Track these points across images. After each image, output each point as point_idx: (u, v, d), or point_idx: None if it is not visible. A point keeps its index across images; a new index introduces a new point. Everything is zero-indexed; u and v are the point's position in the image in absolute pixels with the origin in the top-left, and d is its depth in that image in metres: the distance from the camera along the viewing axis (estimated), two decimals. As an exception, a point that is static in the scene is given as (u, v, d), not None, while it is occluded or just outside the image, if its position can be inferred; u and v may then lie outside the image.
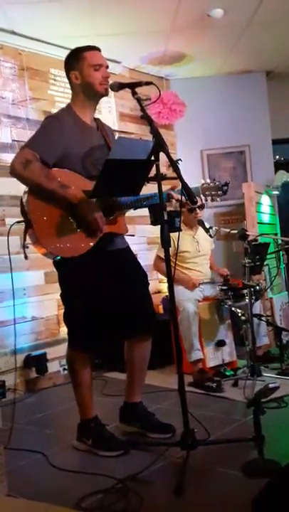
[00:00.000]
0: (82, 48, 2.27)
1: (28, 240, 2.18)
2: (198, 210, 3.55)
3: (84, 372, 2.32)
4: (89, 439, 2.31)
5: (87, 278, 2.22)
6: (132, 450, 2.27)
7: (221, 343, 3.45)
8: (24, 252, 2.22)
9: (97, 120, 2.39)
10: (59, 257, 2.18)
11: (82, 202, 2.12)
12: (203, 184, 2.33)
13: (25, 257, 2.23)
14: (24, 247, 2.20)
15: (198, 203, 3.43)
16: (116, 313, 2.28)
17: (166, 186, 2.16)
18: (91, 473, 2.07)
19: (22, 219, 2.17)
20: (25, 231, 2.16)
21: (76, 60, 2.26)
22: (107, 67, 2.28)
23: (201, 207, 3.57)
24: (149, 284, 2.45)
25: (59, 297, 3.68)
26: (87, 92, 2.26)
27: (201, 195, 2.31)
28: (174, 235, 2.16)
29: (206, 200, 2.37)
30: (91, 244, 2.17)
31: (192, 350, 3.25)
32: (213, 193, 2.32)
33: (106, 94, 2.27)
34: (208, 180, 2.35)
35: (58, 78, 3.85)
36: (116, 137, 2.18)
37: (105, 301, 2.24)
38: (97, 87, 2.23)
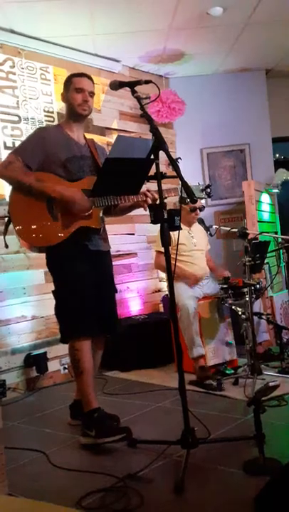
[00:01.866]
0: (74, 74, 2.57)
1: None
2: (198, 211, 3.58)
3: (87, 360, 2.38)
4: (92, 431, 2.32)
5: (72, 266, 2.39)
6: (132, 449, 2.27)
7: (228, 344, 3.49)
8: (5, 241, 2.52)
9: (88, 140, 2.60)
10: (37, 248, 2.40)
11: (56, 190, 2.32)
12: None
13: (6, 246, 2.55)
14: (4, 234, 2.47)
15: (199, 205, 3.47)
16: (94, 305, 2.41)
17: (165, 185, 2.16)
18: (92, 471, 2.07)
19: (7, 215, 2.39)
20: (6, 225, 2.40)
21: (66, 83, 2.54)
22: (92, 93, 2.50)
23: (201, 209, 3.62)
24: (115, 291, 2.61)
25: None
26: (70, 112, 2.52)
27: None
28: (173, 233, 2.16)
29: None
30: (66, 234, 2.35)
31: (194, 346, 3.25)
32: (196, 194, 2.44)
33: (83, 115, 2.50)
34: (192, 184, 2.44)
35: (57, 77, 3.84)
36: (116, 136, 2.23)
37: (89, 289, 2.39)
38: (76, 108, 2.47)
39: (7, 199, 3.49)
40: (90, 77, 2.53)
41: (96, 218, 2.43)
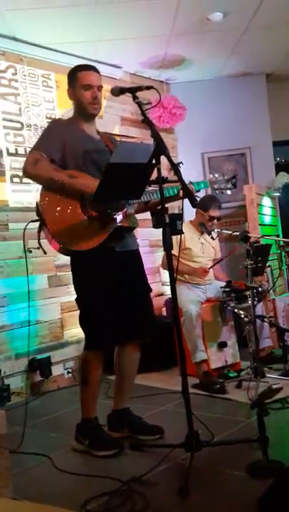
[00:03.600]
0: (79, 67, 2.39)
1: (42, 239, 2.24)
2: (215, 221, 3.60)
3: (95, 374, 2.34)
4: (86, 440, 2.32)
5: (94, 278, 2.26)
6: (136, 452, 2.28)
7: (222, 345, 3.46)
8: (41, 248, 2.28)
9: (101, 133, 2.46)
10: (72, 251, 2.22)
11: (89, 187, 2.16)
12: (211, 178, 2.36)
13: (44, 252, 2.29)
14: (39, 246, 2.27)
15: (217, 215, 3.52)
16: (119, 314, 2.30)
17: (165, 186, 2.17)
18: (96, 475, 2.08)
19: (37, 219, 2.25)
20: (39, 230, 2.25)
21: (71, 78, 2.38)
22: (100, 87, 2.34)
23: (219, 219, 3.64)
24: (151, 289, 2.47)
25: (62, 301, 3.76)
26: (80, 110, 2.38)
27: (210, 189, 2.35)
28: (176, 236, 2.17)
29: (219, 193, 2.41)
30: (103, 237, 2.21)
31: (196, 351, 3.26)
32: (222, 186, 2.37)
33: (94, 113, 2.36)
34: (217, 175, 2.38)
35: (59, 84, 3.87)
36: (118, 141, 2.21)
37: (111, 301, 2.27)
38: (87, 107, 2.33)
39: (9, 204, 3.54)
40: (96, 70, 2.37)
41: (130, 217, 2.32)
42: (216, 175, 2.38)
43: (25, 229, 2.31)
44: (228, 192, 2.37)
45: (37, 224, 2.26)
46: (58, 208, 2.20)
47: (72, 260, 2.33)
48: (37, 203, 2.25)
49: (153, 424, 2.45)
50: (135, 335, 2.40)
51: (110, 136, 2.53)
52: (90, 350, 2.34)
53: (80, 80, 2.32)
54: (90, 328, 2.32)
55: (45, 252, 2.30)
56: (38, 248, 2.28)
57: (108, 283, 2.27)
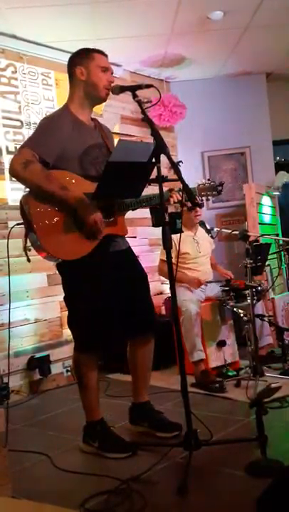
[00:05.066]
0: (92, 48, 2.26)
1: (29, 243, 2.18)
2: (198, 209, 3.54)
3: (91, 375, 2.30)
4: (95, 442, 2.30)
5: (89, 280, 2.21)
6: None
7: (221, 344, 3.46)
8: (26, 255, 2.21)
9: (94, 120, 2.38)
10: (60, 260, 2.19)
11: (80, 204, 2.10)
12: (199, 185, 2.39)
13: (28, 260, 2.24)
14: (26, 249, 2.19)
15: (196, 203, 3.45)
16: (118, 314, 2.29)
17: (166, 188, 2.18)
18: (95, 474, 2.08)
19: (22, 221, 2.16)
20: (25, 234, 2.15)
21: (85, 57, 2.23)
22: (112, 73, 2.28)
23: (200, 205, 3.56)
24: (149, 285, 2.45)
25: (62, 299, 3.75)
26: (89, 91, 2.24)
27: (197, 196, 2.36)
28: (175, 237, 2.17)
29: (202, 201, 2.44)
30: (92, 246, 2.17)
31: (194, 350, 3.26)
32: (208, 193, 2.38)
33: (105, 98, 2.28)
34: (204, 181, 2.41)
35: (58, 82, 3.87)
36: (117, 140, 2.19)
37: (107, 302, 2.24)
38: (100, 90, 2.23)
39: (8, 203, 3.54)
40: (107, 56, 2.27)
41: (121, 224, 2.30)
42: (204, 181, 2.41)
43: (10, 231, 2.23)
44: (212, 199, 2.45)
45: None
46: (47, 215, 2.10)
47: (62, 263, 2.25)
48: (21, 204, 2.13)
49: (172, 420, 2.41)
50: (142, 329, 2.38)
51: (101, 124, 2.41)
52: (81, 353, 2.31)
53: (97, 60, 2.20)
54: (78, 330, 2.30)
55: (28, 260, 2.21)
56: (26, 250, 2.18)
57: (100, 286, 2.22)
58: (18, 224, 2.20)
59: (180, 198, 2.25)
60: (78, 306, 2.27)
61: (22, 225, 2.17)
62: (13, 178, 2.16)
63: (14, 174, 2.09)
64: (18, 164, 2.06)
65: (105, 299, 2.24)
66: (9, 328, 2.75)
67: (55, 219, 2.12)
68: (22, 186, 2.16)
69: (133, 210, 2.33)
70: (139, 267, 2.43)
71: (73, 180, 2.16)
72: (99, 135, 2.32)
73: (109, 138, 2.40)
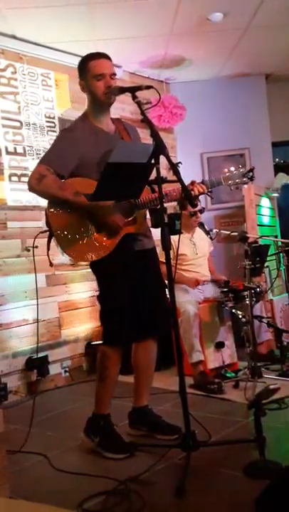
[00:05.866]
0: (88, 56, 2.29)
1: (55, 249, 2.23)
2: (198, 214, 3.58)
3: (113, 369, 2.35)
4: (96, 437, 2.32)
5: (115, 278, 2.28)
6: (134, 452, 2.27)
7: (220, 345, 3.46)
8: (49, 259, 2.24)
9: (115, 122, 2.42)
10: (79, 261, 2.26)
11: (97, 206, 2.18)
12: (226, 172, 2.35)
13: (50, 264, 2.27)
14: (48, 254, 2.25)
15: (198, 208, 3.46)
16: (136, 312, 2.32)
17: (166, 190, 2.18)
18: (93, 475, 2.08)
19: (47, 229, 2.24)
20: (48, 239, 2.24)
21: (82, 70, 2.30)
22: (113, 74, 2.28)
23: (202, 211, 3.59)
24: (166, 287, 2.46)
25: (60, 300, 3.76)
26: (94, 100, 2.31)
27: (224, 184, 2.34)
28: (173, 239, 2.17)
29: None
30: (114, 243, 2.24)
31: (193, 351, 3.26)
32: (238, 181, 2.34)
33: (109, 102, 2.30)
34: (232, 168, 2.35)
35: (58, 83, 3.87)
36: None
37: (132, 298, 2.30)
38: (100, 97, 2.27)
39: (8, 203, 3.54)
40: (107, 57, 2.28)
41: (140, 222, 2.33)
42: (232, 169, 2.33)
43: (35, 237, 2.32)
44: (245, 186, 2.31)
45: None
46: (66, 221, 2.20)
47: (91, 264, 2.32)
48: (46, 213, 2.23)
49: (171, 423, 2.43)
50: (153, 331, 2.43)
51: (125, 124, 2.46)
52: (110, 346, 2.35)
53: (91, 70, 2.25)
54: (108, 324, 2.35)
55: (51, 265, 2.28)
56: (48, 256, 2.24)
57: (129, 281, 2.29)
58: (42, 232, 2.27)
59: (202, 191, 2.28)
60: (107, 302, 2.35)
61: (46, 232, 2.25)
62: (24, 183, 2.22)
63: (31, 189, 2.23)
64: (33, 180, 2.21)
65: (130, 296, 2.29)
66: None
67: (74, 224, 2.21)
68: (22, 186, 2.18)
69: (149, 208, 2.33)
70: (159, 268, 2.47)
71: (86, 186, 2.20)
72: (119, 139, 2.35)
73: (133, 137, 2.42)
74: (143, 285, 2.34)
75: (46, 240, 2.24)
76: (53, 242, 2.24)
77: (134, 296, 2.31)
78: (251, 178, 2.32)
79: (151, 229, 2.35)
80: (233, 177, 2.35)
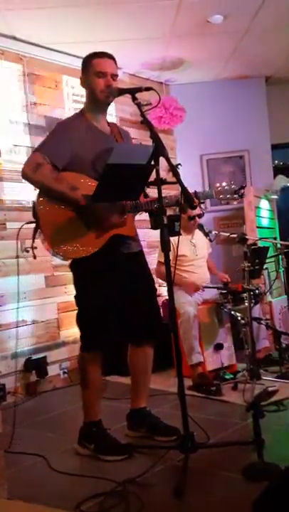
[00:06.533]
0: (94, 53, 2.30)
1: (37, 241, 2.21)
2: (197, 218, 3.58)
3: (95, 375, 2.31)
4: (91, 444, 2.30)
5: (97, 280, 2.23)
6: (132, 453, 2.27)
7: (219, 347, 3.46)
8: (33, 252, 2.24)
9: (111, 124, 2.41)
10: (61, 257, 2.21)
11: (90, 202, 2.14)
12: (218, 187, 2.34)
13: (34, 257, 2.25)
14: (32, 248, 2.23)
15: (198, 212, 3.46)
16: (121, 316, 2.29)
17: (165, 191, 2.18)
18: (91, 476, 2.08)
19: (33, 220, 2.20)
20: (34, 231, 2.20)
21: (85, 66, 2.30)
22: (115, 75, 2.28)
23: (200, 216, 3.60)
24: (156, 290, 2.46)
25: (59, 301, 3.75)
26: (91, 97, 2.30)
27: (216, 199, 2.33)
28: (173, 240, 2.17)
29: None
30: (100, 245, 2.20)
31: (192, 353, 3.26)
32: (228, 196, 2.34)
33: (107, 101, 2.29)
34: (224, 184, 2.36)
35: (58, 84, 3.87)
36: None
37: (114, 302, 2.26)
38: (98, 95, 2.26)
39: (6, 204, 3.54)
40: (111, 57, 2.30)
41: (130, 225, 2.32)
42: (224, 184, 2.34)
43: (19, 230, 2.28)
44: (235, 202, 2.35)
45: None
46: (56, 215, 2.16)
47: (71, 262, 2.29)
48: (34, 204, 2.19)
49: (169, 424, 2.41)
50: (149, 336, 2.40)
51: (120, 128, 2.46)
52: (87, 352, 2.32)
53: (93, 66, 2.25)
54: (86, 328, 2.31)
55: (34, 257, 2.25)
56: (32, 248, 2.23)
57: (109, 285, 2.24)
58: (28, 222, 2.22)
59: (190, 195, 2.19)
60: (85, 304, 2.30)
61: (33, 224, 2.20)
62: (24, 180, 2.21)
63: (25, 177, 2.17)
64: (28, 167, 2.15)
65: (112, 300, 2.25)
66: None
67: (64, 219, 2.17)
68: (21, 187, 2.17)
69: (146, 212, 2.30)
70: (148, 272, 2.45)
71: (82, 181, 2.19)
72: (113, 141, 2.34)
73: (126, 141, 2.42)
74: (133, 287, 2.31)
75: (41, 239, 2.18)
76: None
77: (124, 299, 2.27)
78: (241, 196, 2.34)
79: (149, 230, 2.34)
80: (224, 192, 2.34)
